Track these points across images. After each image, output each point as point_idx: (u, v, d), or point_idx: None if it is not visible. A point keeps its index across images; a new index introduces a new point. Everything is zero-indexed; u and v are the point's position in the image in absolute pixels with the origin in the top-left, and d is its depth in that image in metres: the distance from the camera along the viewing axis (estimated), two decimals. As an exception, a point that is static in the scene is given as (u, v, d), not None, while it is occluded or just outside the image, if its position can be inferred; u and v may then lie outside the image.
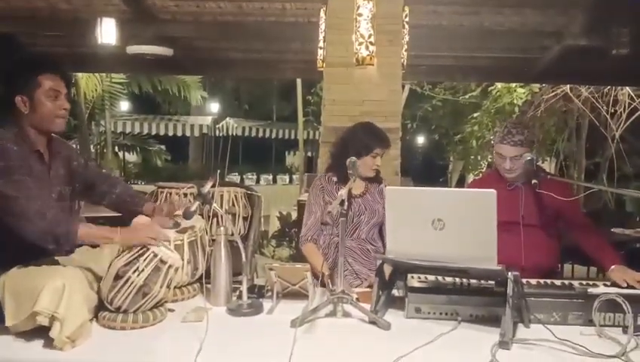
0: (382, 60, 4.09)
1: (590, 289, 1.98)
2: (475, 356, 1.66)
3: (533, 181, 2.30)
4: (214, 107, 16.11)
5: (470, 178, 10.87)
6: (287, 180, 14.55)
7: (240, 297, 2.05)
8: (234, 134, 14.70)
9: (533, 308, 1.89)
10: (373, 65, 4.03)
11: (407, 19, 4.37)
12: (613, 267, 2.25)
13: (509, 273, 1.78)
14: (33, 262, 1.83)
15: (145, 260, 1.82)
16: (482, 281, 2.02)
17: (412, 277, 2.09)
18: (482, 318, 1.92)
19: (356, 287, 2.48)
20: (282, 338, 1.70)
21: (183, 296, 2.16)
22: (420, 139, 17.79)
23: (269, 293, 2.14)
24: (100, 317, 1.83)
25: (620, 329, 1.83)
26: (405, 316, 1.97)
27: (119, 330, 1.79)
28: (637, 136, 9.20)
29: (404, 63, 4.39)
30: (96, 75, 9.94)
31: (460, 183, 12.33)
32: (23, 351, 1.64)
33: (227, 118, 14.81)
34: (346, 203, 1.98)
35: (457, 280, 2.06)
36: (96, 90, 10.29)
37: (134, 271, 1.80)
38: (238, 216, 2.61)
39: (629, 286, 2.08)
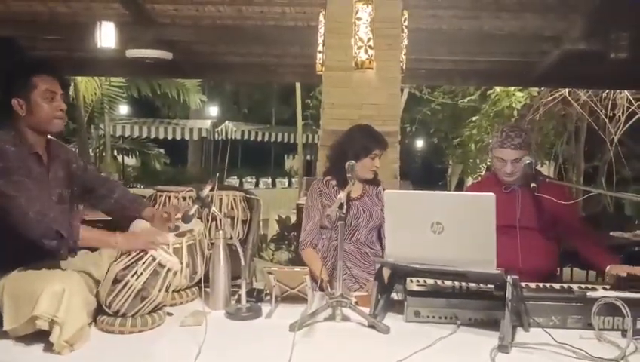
0: (381, 64, 4.10)
1: (589, 293, 1.97)
2: (475, 360, 1.66)
3: (532, 184, 2.30)
4: (213, 111, 16.13)
5: (469, 181, 10.87)
6: (287, 184, 14.55)
7: (239, 301, 2.04)
8: (233, 138, 14.72)
9: (532, 312, 1.88)
10: (372, 68, 4.04)
11: (406, 23, 4.38)
12: (610, 266, 2.28)
13: (508, 276, 1.78)
14: (32, 265, 1.83)
15: (143, 264, 1.82)
16: (481, 285, 2.02)
17: (411, 280, 2.09)
18: (481, 322, 1.91)
19: (355, 291, 2.48)
20: (281, 342, 1.69)
21: (182, 299, 2.15)
22: (419, 143, 17.82)
23: (268, 297, 2.13)
24: (99, 321, 1.83)
25: (620, 332, 1.83)
26: (404, 320, 1.97)
27: (118, 334, 1.79)
28: (635, 140, 9.22)
29: (403, 67, 4.40)
30: (96, 78, 9.95)
31: (459, 187, 12.33)
32: (22, 355, 1.63)
33: (226, 122, 14.82)
34: (345, 206, 1.98)
35: (456, 283, 2.06)
36: (95, 93, 10.29)
37: (133, 275, 1.79)
38: (237, 219, 2.60)
39: (629, 281, 2.09)
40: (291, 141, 15.06)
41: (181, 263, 2.01)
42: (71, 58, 7.00)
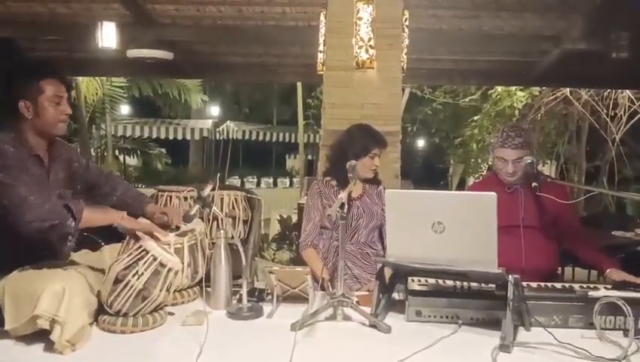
0: (382, 64, 4.10)
1: (591, 293, 1.97)
2: (476, 359, 1.66)
3: (534, 184, 2.30)
4: (215, 110, 16.13)
5: (470, 181, 10.87)
6: (288, 183, 14.54)
7: (240, 300, 2.04)
8: (234, 138, 14.72)
9: (533, 311, 1.88)
10: (373, 68, 4.04)
11: (407, 22, 4.38)
12: (609, 270, 2.31)
13: (510, 276, 1.78)
14: (33, 265, 1.83)
15: (144, 264, 1.82)
16: (483, 284, 2.02)
17: (412, 280, 2.09)
18: (483, 321, 1.91)
19: (356, 291, 2.48)
20: (282, 342, 1.69)
21: (183, 299, 2.15)
22: (421, 143, 17.80)
23: (269, 297, 2.13)
24: (100, 320, 1.83)
25: (621, 332, 1.83)
26: (406, 319, 1.97)
27: (119, 334, 1.79)
28: (637, 139, 9.22)
29: (404, 67, 4.40)
30: (97, 78, 9.96)
31: (461, 186, 12.33)
32: (23, 355, 1.63)
33: (227, 122, 14.82)
34: (346, 206, 1.98)
35: (458, 283, 2.06)
36: (96, 93, 10.30)
37: (134, 275, 1.80)
38: (238, 219, 2.60)
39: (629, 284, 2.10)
40: (292, 141, 15.05)
41: (182, 263, 2.00)
42: (72, 59, 7.01)
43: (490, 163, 9.98)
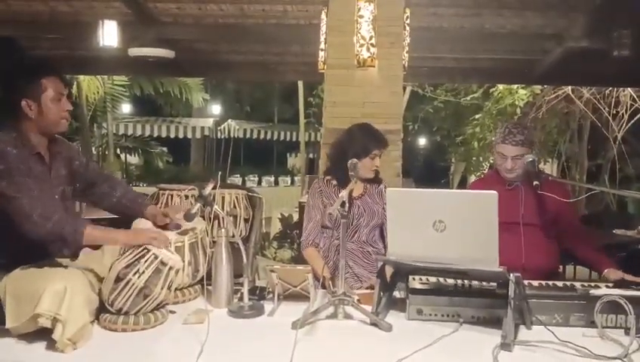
0: (383, 62, 4.09)
1: (592, 291, 1.97)
2: (477, 358, 1.66)
3: (535, 182, 2.30)
4: (216, 109, 16.13)
5: (472, 179, 10.86)
6: (289, 182, 14.56)
7: (241, 299, 2.05)
8: (235, 136, 14.71)
9: (535, 310, 1.88)
10: (374, 67, 4.03)
11: (408, 21, 4.38)
12: (607, 270, 2.33)
13: (511, 274, 1.78)
14: (35, 264, 1.83)
15: (145, 262, 1.82)
16: (484, 283, 2.02)
17: (413, 278, 2.09)
18: (484, 320, 1.91)
19: (357, 290, 2.48)
20: (283, 340, 1.70)
21: (184, 297, 2.16)
22: (422, 141, 17.79)
23: (270, 295, 2.14)
24: (101, 319, 1.83)
25: (623, 330, 1.83)
26: (407, 318, 1.97)
27: (120, 332, 1.79)
28: (639, 138, 9.19)
29: (405, 65, 4.40)
30: (98, 77, 9.96)
31: (462, 185, 12.32)
32: (24, 354, 1.64)
33: (229, 120, 14.82)
34: (347, 204, 1.98)
35: (459, 281, 2.06)
36: (98, 92, 10.31)
37: (135, 273, 1.80)
38: (240, 217, 2.61)
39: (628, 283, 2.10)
40: (294, 139, 15.06)
41: (183, 261, 2.01)
42: (73, 57, 7.01)
43: (491, 161, 9.98)
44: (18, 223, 1.79)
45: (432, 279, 2.09)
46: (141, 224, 2.14)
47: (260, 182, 13.97)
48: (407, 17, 4.37)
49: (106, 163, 11.73)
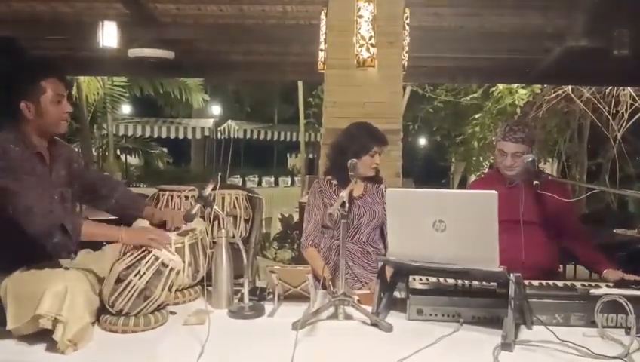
0: (382, 62, 4.09)
1: (592, 291, 1.97)
2: (477, 358, 1.66)
3: (535, 182, 2.31)
4: (216, 110, 16.14)
5: (472, 179, 10.86)
6: (289, 182, 14.57)
7: (241, 300, 2.05)
8: (235, 137, 14.73)
9: (535, 310, 1.88)
10: (373, 67, 4.03)
11: (407, 20, 4.38)
12: (606, 271, 2.33)
13: (511, 274, 1.78)
14: (35, 265, 1.83)
15: (146, 263, 1.82)
16: (484, 283, 2.02)
17: (414, 278, 2.09)
18: (484, 320, 1.91)
19: (357, 290, 2.48)
20: (283, 341, 1.69)
21: (185, 298, 2.16)
22: (422, 141, 17.80)
23: (271, 296, 2.13)
24: (102, 320, 1.83)
25: (623, 330, 1.83)
26: (407, 318, 1.97)
27: (121, 334, 1.79)
28: (639, 137, 9.18)
29: (405, 65, 4.40)
30: (98, 78, 9.97)
31: (462, 184, 12.32)
32: (25, 355, 1.64)
33: (229, 121, 14.84)
34: (347, 205, 1.97)
35: (459, 281, 2.06)
36: (98, 93, 10.31)
37: (135, 275, 1.80)
38: (240, 218, 2.61)
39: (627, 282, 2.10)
40: (294, 139, 15.07)
41: (183, 262, 2.01)
42: (73, 58, 7.01)
43: (491, 161, 9.98)
44: (19, 217, 1.79)
45: (433, 279, 2.09)
46: (141, 224, 2.14)
47: (260, 183, 13.99)
48: (407, 17, 4.37)
49: (106, 164, 11.73)
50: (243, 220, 2.62)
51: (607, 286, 2.10)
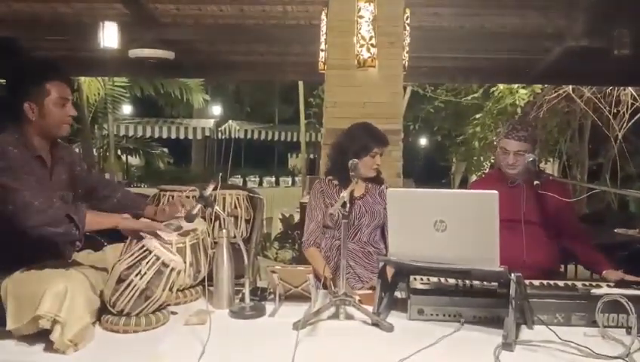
0: (383, 62, 4.10)
1: (593, 290, 1.97)
2: (478, 358, 1.66)
3: (536, 182, 2.31)
4: (216, 110, 16.14)
5: (473, 179, 10.86)
6: (290, 182, 14.55)
7: (242, 300, 2.05)
8: (236, 137, 14.73)
9: (536, 310, 1.88)
10: (374, 67, 4.04)
11: (408, 21, 4.38)
12: (606, 271, 2.34)
13: (512, 274, 1.78)
14: (36, 265, 1.83)
15: (147, 263, 1.82)
16: (485, 282, 2.02)
17: (414, 278, 2.09)
18: (485, 320, 1.91)
19: (358, 290, 2.48)
20: (284, 341, 1.70)
21: (186, 298, 2.16)
22: (422, 141, 17.80)
23: (272, 296, 2.14)
24: (103, 320, 1.83)
25: (624, 330, 1.83)
26: (408, 318, 1.97)
27: (122, 334, 1.80)
28: (640, 136, 9.19)
29: (405, 65, 4.40)
30: (99, 78, 9.96)
31: (463, 184, 12.32)
32: (26, 355, 1.64)
33: (229, 121, 14.84)
34: (348, 205, 1.98)
35: (460, 281, 2.06)
36: (98, 93, 10.31)
37: (137, 275, 1.80)
38: (241, 218, 2.61)
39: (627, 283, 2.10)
40: (294, 140, 15.06)
41: (185, 262, 2.01)
42: (74, 58, 7.01)
43: (492, 160, 9.98)
44: (18, 212, 1.78)
45: (433, 279, 2.09)
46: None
47: (261, 183, 13.97)
48: (407, 17, 4.37)
49: (107, 164, 11.73)
50: (244, 220, 2.62)
51: (608, 286, 2.10)
